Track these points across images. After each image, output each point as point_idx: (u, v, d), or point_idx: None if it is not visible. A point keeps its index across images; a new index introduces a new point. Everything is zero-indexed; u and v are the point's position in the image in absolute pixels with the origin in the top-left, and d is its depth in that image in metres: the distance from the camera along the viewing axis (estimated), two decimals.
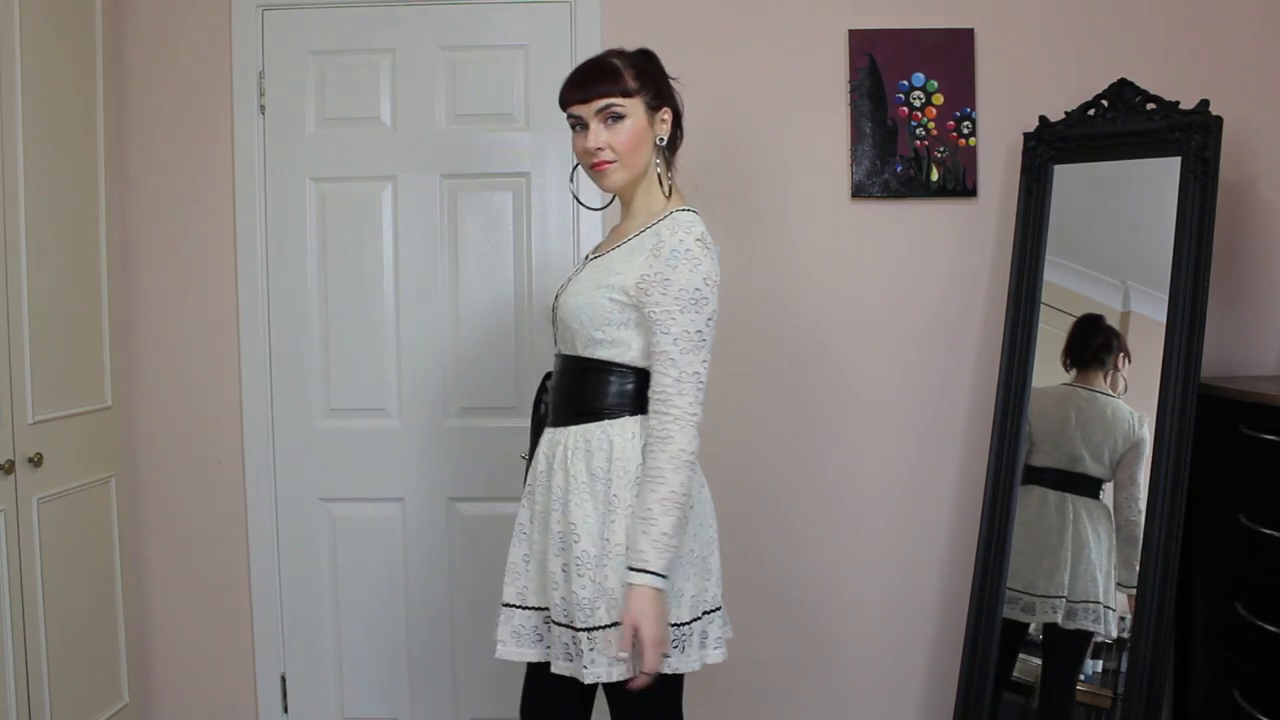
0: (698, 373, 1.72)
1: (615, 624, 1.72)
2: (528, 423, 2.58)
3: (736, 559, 2.75)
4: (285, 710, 2.81)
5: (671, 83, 1.89)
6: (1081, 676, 2.44)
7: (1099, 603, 2.42)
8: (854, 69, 2.69)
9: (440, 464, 2.76)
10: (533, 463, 1.91)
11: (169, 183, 2.74)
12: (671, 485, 1.69)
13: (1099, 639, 2.42)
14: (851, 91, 2.69)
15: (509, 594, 1.87)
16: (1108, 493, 2.46)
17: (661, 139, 1.86)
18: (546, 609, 1.84)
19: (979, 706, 2.52)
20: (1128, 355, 2.47)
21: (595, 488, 1.78)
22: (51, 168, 2.37)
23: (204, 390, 2.77)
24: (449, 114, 2.74)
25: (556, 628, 1.80)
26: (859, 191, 2.70)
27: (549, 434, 1.87)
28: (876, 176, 2.70)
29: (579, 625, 1.75)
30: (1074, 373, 2.54)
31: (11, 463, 2.20)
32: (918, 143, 2.68)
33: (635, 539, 1.69)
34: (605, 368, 1.81)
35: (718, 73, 2.69)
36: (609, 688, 1.79)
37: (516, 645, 1.85)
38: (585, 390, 1.82)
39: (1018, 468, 2.53)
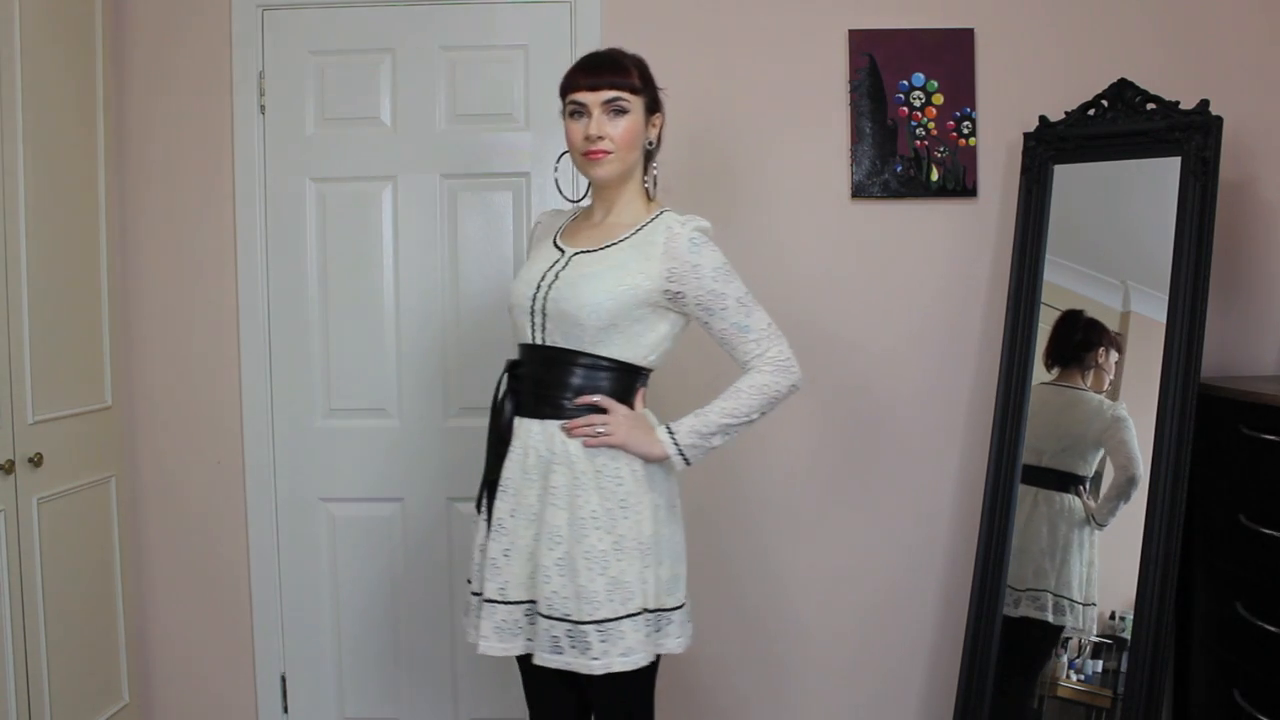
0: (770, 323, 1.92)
1: (629, 615, 1.79)
2: None
3: (734, 557, 2.76)
4: (285, 710, 2.81)
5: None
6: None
7: (1070, 598, 2.45)
8: (854, 69, 2.69)
9: (440, 464, 2.76)
10: (511, 455, 1.90)
11: (169, 182, 2.74)
12: None
13: (1081, 635, 2.44)
14: (851, 91, 2.69)
15: (490, 589, 1.87)
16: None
17: (651, 142, 1.95)
18: (531, 602, 1.85)
19: (979, 706, 2.52)
20: (1116, 349, 2.46)
21: (602, 483, 1.82)
22: (51, 168, 2.36)
23: (204, 390, 2.76)
24: (449, 114, 2.74)
25: (546, 621, 1.82)
26: (859, 191, 2.70)
27: (534, 426, 1.88)
28: (876, 176, 2.70)
29: (584, 619, 1.78)
30: (1056, 371, 2.54)
31: (11, 463, 2.20)
32: (918, 143, 2.68)
33: None
34: (607, 363, 1.86)
35: (717, 72, 2.69)
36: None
37: (500, 640, 1.86)
38: (582, 382, 1.86)
39: (1017, 467, 2.53)
